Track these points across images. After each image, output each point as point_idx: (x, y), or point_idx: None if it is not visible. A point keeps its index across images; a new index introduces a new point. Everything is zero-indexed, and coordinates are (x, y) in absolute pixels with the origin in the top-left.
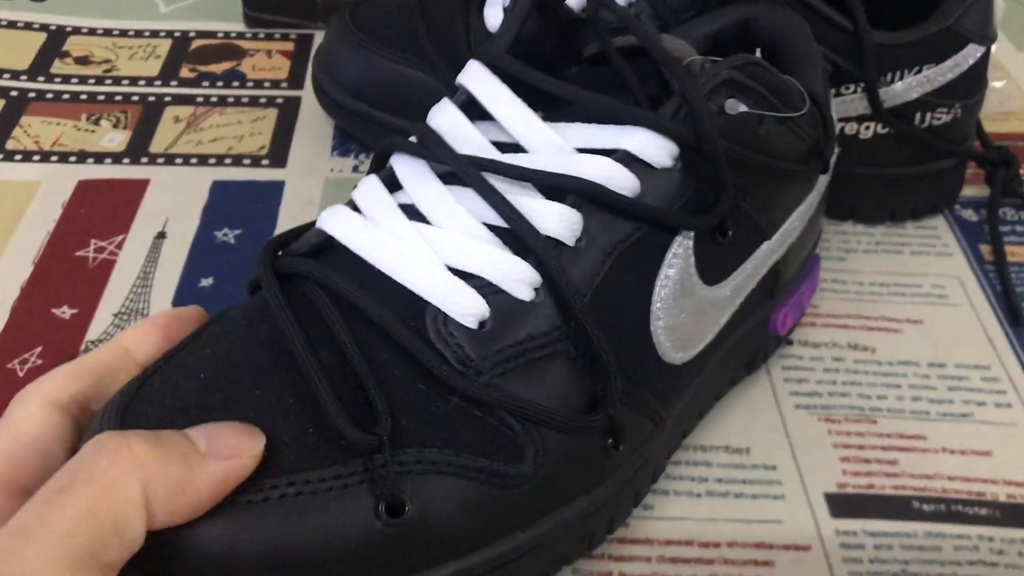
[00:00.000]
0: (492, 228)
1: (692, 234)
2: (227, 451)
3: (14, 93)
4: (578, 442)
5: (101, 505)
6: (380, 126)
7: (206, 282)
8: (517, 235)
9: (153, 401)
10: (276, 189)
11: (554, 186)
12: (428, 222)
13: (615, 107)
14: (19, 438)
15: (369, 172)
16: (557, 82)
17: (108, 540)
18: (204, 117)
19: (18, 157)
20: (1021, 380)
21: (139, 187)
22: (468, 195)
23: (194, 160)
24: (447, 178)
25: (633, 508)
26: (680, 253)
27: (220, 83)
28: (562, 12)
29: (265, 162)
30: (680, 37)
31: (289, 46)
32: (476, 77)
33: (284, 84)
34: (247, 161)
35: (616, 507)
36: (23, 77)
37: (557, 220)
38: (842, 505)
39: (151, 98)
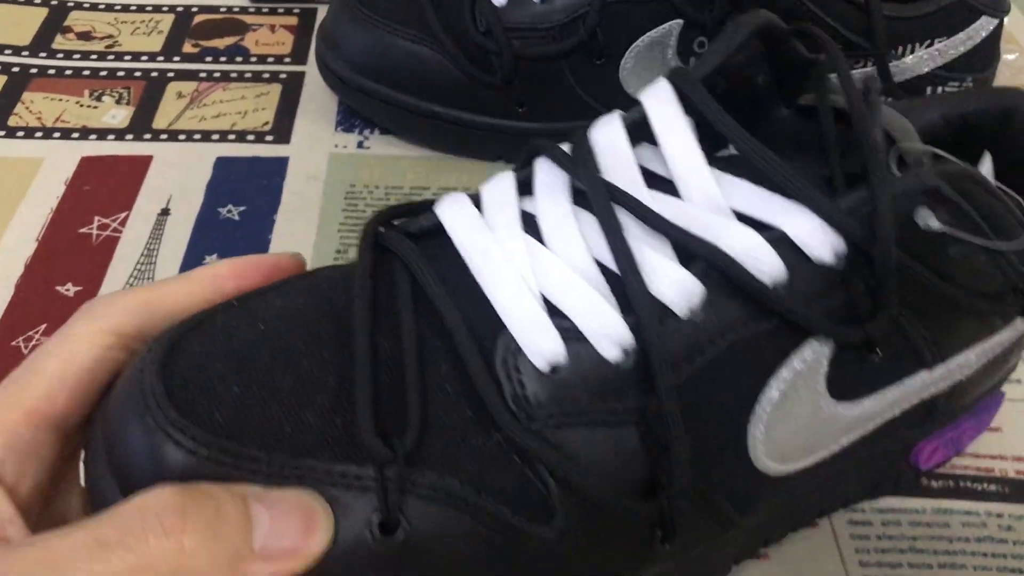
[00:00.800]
0: (604, 269)
1: (830, 344)
2: (281, 551)
3: (16, 69)
4: (619, 523)
5: None
6: (384, 102)
7: (210, 259)
8: (623, 286)
9: (205, 341)
10: (280, 165)
11: (686, 246)
12: (542, 240)
13: (789, 177)
14: (70, 366)
15: (515, 167)
16: (738, 130)
17: None
18: (207, 93)
19: (20, 134)
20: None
21: (142, 163)
22: (593, 224)
23: (197, 136)
24: (580, 198)
25: None
26: (809, 360)
27: (223, 58)
28: (788, 47)
29: (269, 138)
30: (924, 110)
31: (293, 20)
32: (657, 99)
33: (287, 59)
34: (251, 137)
35: None
36: (25, 53)
37: (672, 284)
38: None
39: (154, 74)
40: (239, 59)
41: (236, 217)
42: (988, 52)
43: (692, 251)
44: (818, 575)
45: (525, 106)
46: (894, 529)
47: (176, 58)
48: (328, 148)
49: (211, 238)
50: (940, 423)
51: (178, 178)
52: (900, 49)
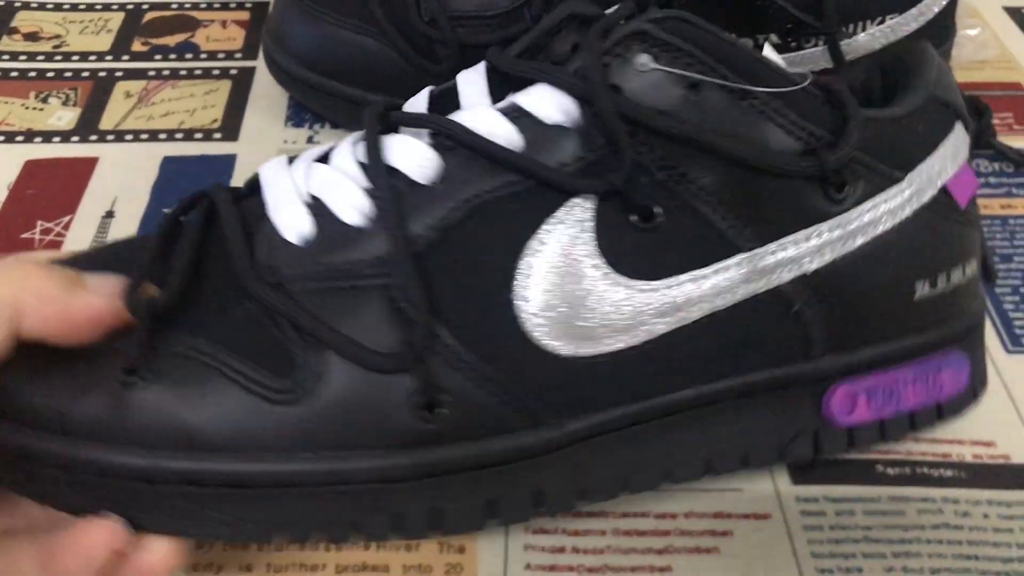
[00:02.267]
0: (364, 167)
1: (591, 204)
2: (106, 290)
3: None
4: (372, 383)
5: None
6: (332, 96)
7: None
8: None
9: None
10: (228, 163)
11: (436, 131)
12: (328, 161)
13: (529, 67)
14: None
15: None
16: (510, 61)
17: None
18: (156, 92)
19: None
20: (992, 338)
21: (88, 166)
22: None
23: (144, 136)
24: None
25: (488, 520)
26: (570, 222)
27: (173, 56)
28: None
29: (217, 136)
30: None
31: (244, 15)
32: (472, 69)
33: (238, 55)
34: (199, 135)
35: (439, 496)
36: None
37: (407, 155)
38: (804, 470)
39: (102, 73)
40: (189, 56)
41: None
42: (943, 27)
43: (437, 130)
44: (769, 568)
45: None
46: (848, 519)
47: (125, 57)
48: (277, 144)
49: None
50: (853, 366)
51: (123, 180)
52: (851, 27)
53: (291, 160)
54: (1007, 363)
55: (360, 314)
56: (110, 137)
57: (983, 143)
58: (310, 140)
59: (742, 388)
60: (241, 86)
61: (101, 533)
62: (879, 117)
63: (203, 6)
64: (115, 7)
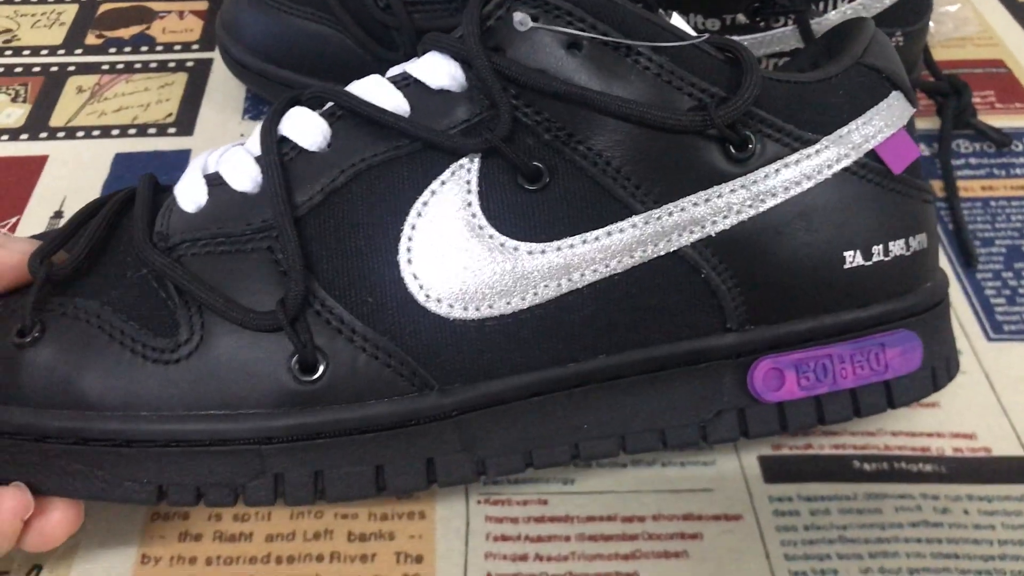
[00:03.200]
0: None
1: (476, 167)
2: (18, 248)
3: None
4: (251, 344)
5: None
6: (288, 86)
7: None
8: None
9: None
10: (182, 159)
11: (330, 101)
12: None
13: (434, 38)
14: None
15: None
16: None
17: None
18: (109, 86)
19: None
20: (973, 326)
21: (37, 164)
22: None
23: (97, 132)
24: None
25: (378, 489)
26: (452, 183)
27: (128, 49)
28: None
29: (172, 130)
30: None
31: (203, 5)
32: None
33: (195, 46)
34: (152, 130)
35: (322, 460)
36: None
37: (296, 124)
38: (777, 468)
39: (54, 68)
40: (144, 49)
41: None
42: (917, 4)
43: (328, 99)
44: (740, 572)
45: None
46: (823, 518)
47: (78, 51)
48: (233, 138)
49: None
50: (779, 340)
51: (74, 178)
52: (821, 5)
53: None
54: (988, 351)
55: (246, 277)
56: (61, 134)
57: (963, 122)
58: None
59: (653, 361)
60: (198, 79)
61: (10, 501)
62: (790, 79)
63: None
64: None
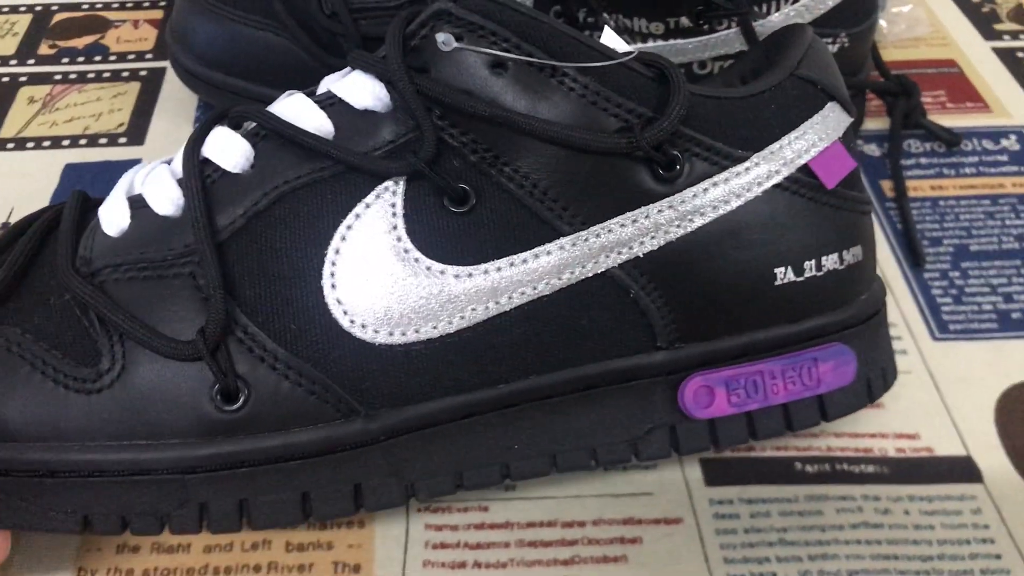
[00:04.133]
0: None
1: (401, 189)
2: None
3: None
4: (172, 373)
5: None
6: (237, 94)
7: None
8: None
9: None
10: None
11: (253, 121)
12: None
13: (351, 57)
14: None
15: None
16: (355, 55)
17: None
18: (61, 96)
19: None
20: (919, 326)
21: None
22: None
23: (47, 143)
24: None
25: (304, 515)
26: (377, 207)
27: (81, 59)
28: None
29: (123, 140)
30: (712, 86)
31: (158, 14)
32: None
33: (149, 55)
34: (104, 141)
35: (247, 488)
36: None
37: (218, 145)
38: (719, 472)
39: (5, 79)
40: (98, 58)
41: None
42: (862, 5)
43: (250, 119)
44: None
45: None
46: (763, 521)
47: (31, 61)
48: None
49: None
50: (709, 357)
51: (22, 189)
52: (764, 7)
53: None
54: (933, 351)
55: (169, 304)
56: (10, 145)
57: (913, 122)
58: None
59: (583, 380)
60: (150, 88)
61: None
62: (721, 95)
63: (115, 6)
64: (23, 8)
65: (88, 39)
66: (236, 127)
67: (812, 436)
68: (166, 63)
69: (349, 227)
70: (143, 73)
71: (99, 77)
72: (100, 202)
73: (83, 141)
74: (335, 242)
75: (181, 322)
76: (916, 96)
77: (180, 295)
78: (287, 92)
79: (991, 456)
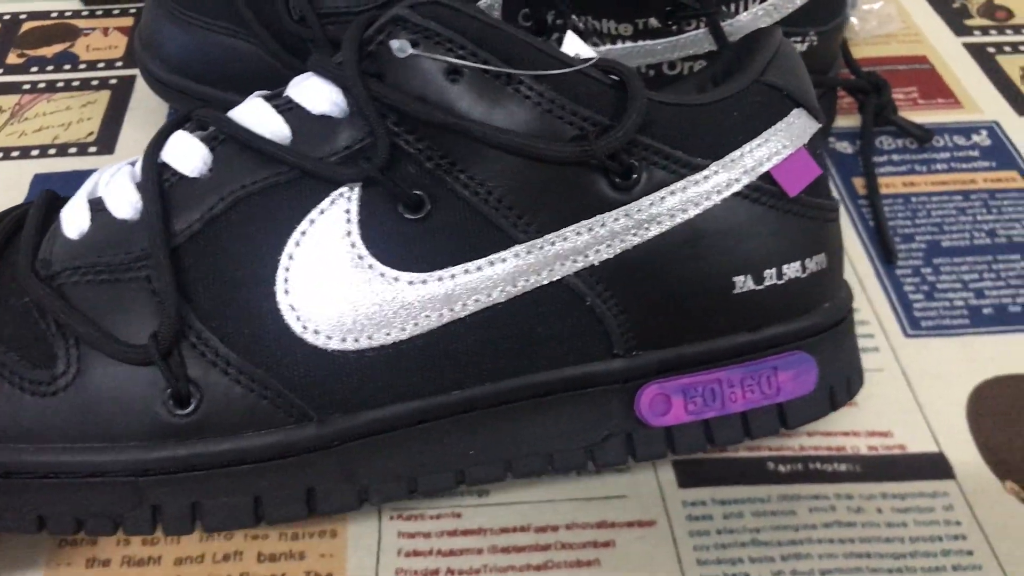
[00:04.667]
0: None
1: (357, 196)
2: None
3: None
4: (126, 377)
5: None
6: (206, 101)
7: None
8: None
9: None
10: None
11: (213, 125)
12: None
13: (316, 62)
14: None
15: None
16: (315, 60)
17: None
18: (30, 106)
19: None
20: (891, 323)
21: None
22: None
23: (16, 153)
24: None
25: (256, 518)
26: (332, 212)
27: (50, 67)
28: None
29: (92, 149)
30: (684, 88)
31: (128, 22)
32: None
33: (119, 63)
34: (73, 150)
35: (199, 491)
36: None
37: (176, 149)
38: (692, 473)
39: None
40: (67, 67)
41: None
42: (830, 4)
43: (209, 124)
44: None
45: None
46: (736, 522)
47: None
48: None
49: None
50: (666, 365)
51: None
52: (732, 7)
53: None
54: (905, 347)
55: (125, 307)
56: None
57: (884, 119)
58: None
59: (539, 386)
60: (120, 96)
61: None
62: (682, 103)
63: (85, 14)
64: None
65: (58, 47)
66: (203, 130)
67: (785, 436)
68: (136, 71)
69: (303, 232)
70: (113, 81)
71: (68, 86)
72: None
73: (52, 151)
74: (289, 247)
75: (136, 326)
76: (887, 93)
77: (136, 299)
78: (252, 95)
79: (963, 452)
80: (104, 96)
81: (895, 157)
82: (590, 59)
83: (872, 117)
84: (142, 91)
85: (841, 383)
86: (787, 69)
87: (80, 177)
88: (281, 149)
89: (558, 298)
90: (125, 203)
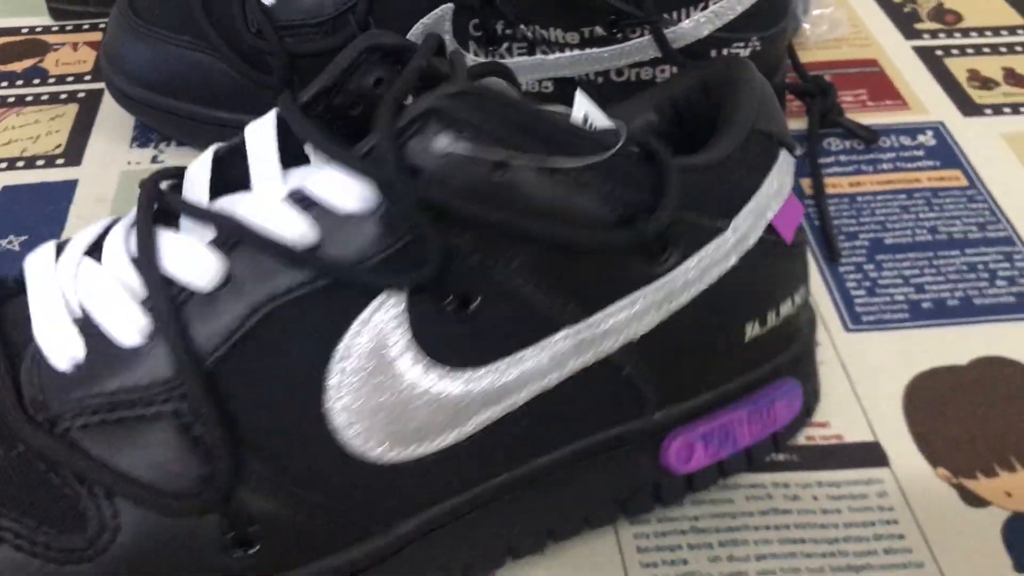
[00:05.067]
0: (138, 266)
1: (403, 299)
2: None
3: None
4: (176, 526)
5: None
6: (171, 114)
7: None
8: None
9: None
10: (68, 189)
11: (218, 227)
12: (101, 258)
13: (319, 140)
14: None
15: None
16: (301, 124)
17: None
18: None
19: None
20: (833, 318)
21: None
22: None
23: None
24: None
25: None
26: (381, 320)
27: (20, 82)
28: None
29: (60, 161)
30: (638, 110)
31: (97, 36)
32: (258, 123)
33: (88, 77)
34: (41, 162)
35: None
36: None
37: (181, 260)
38: None
39: None
40: (37, 81)
41: (16, 248)
42: (772, 9)
43: (217, 227)
44: (595, 565)
45: None
46: (675, 510)
47: None
48: (121, 167)
49: None
50: (686, 415)
51: None
52: (675, 14)
53: (60, 250)
54: (845, 342)
55: (150, 448)
56: None
57: (830, 121)
58: (154, 160)
59: (578, 454)
60: (88, 109)
61: None
62: (698, 165)
63: (55, 29)
64: None
65: (28, 62)
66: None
67: None
68: (103, 84)
69: (348, 345)
70: (81, 95)
71: (38, 100)
72: (10, 289)
73: (20, 163)
74: (336, 360)
75: (170, 468)
76: (832, 96)
77: (162, 437)
78: (246, 127)
79: (898, 442)
80: (72, 109)
81: (843, 158)
82: (618, 130)
83: (818, 119)
84: (109, 104)
85: (812, 394)
86: (772, 112)
87: (47, 188)
88: (313, 257)
89: (600, 373)
90: (127, 324)
